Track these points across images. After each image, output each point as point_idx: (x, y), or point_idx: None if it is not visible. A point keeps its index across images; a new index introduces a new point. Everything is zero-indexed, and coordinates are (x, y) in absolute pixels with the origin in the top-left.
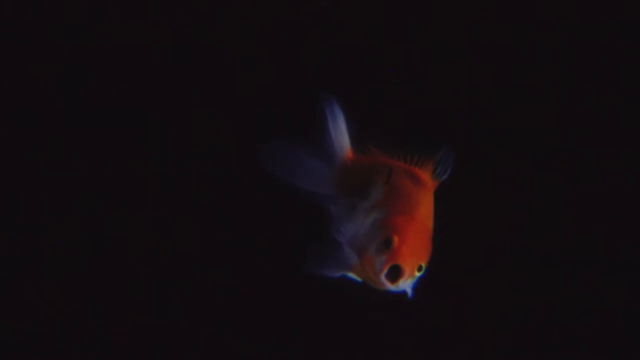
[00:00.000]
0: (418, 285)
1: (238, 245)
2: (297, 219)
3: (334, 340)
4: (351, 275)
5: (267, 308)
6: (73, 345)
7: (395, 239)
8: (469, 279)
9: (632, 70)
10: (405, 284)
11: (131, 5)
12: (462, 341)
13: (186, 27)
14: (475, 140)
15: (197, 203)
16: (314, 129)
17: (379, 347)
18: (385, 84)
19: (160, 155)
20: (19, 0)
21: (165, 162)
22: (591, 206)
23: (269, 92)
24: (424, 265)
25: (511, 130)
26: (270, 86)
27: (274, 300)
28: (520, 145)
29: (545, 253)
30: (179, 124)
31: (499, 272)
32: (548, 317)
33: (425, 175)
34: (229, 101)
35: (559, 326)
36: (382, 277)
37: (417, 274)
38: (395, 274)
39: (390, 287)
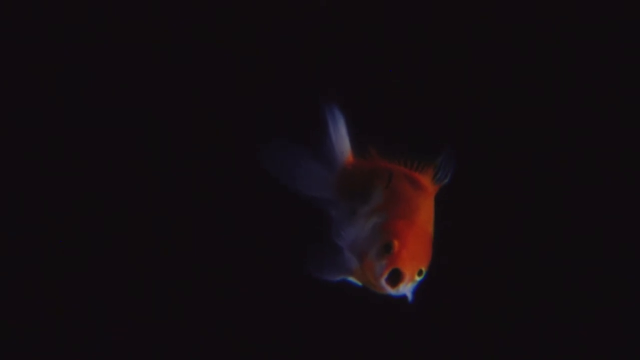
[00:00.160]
0: (418, 290)
1: (238, 245)
2: (297, 219)
3: (334, 341)
4: (351, 279)
5: (267, 308)
6: (73, 345)
7: (396, 243)
8: (469, 281)
9: (632, 70)
10: (406, 288)
11: (131, 5)
12: (462, 341)
13: (186, 27)
14: (475, 140)
15: (197, 203)
16: (315, 133)
17: (379, 348)
18: (385, 84)
19: (160, 155)
20: (19, 0)
21: (165, 162)
22: (591, 206)
23: (269, 92)
24: (424, 269)
25: (511, 130)
26: (270, 86)
27: (274, 300)
28: (520, 145)
29: (545, 253)
30: (179, 124)
31: (499, 272)
32: (548, 317)
33: (426, 179)
34: (229, 101)
35: (559, 326)
36: (383, 282)
37: (418, 278)
38: (395, 278)
39: (391, 291)
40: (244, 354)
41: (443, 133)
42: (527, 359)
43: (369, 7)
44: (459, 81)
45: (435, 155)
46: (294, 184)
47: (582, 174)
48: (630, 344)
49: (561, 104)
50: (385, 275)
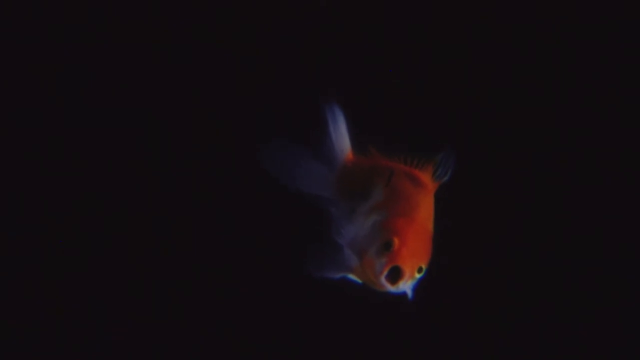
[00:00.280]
0: (418, 288)
1: (238, 245)
2: (297, 219)
3: (334, 340)
4: (351, 277)
5: (267, 308)
6: (73, 345)
7: (396, 241)
8: (468, 279)
9: (632, 70)
10: (406, 286)
11: (131, 5)
12: (462, 341)
13: (186, 27)
14: (475, 140)
15: (197, 203)
16: (315, 132)
17: (379, 347)
18: (385, 84)
19: (160, 155)
20: (19, 0)
21: (165, 162)
22: (591, 206)
23: (269, 92)
24: (424, 266)
25: (511, 130)
26: (270, 86)
27: (274, 300)
28: (520, 145)
29: (545, 253)
30: (179, 124)
31: (499, 272)
32: (548, 317)
33: (426, 177)
34: (229, 101)
35: (559, 326)
36: (383, 279)
37: (417, 276)
38: (395, 275)
39: (391, 288)
40: (244, 354)
41: (443, 133)
42: (527, 359)
43: (369, 7)
44: (459, 81)
45: (435, 153)
46: (294, 183)
47: (582, 174)
48: (630, 344)
49: (561, 104)
50: (385, 273)
